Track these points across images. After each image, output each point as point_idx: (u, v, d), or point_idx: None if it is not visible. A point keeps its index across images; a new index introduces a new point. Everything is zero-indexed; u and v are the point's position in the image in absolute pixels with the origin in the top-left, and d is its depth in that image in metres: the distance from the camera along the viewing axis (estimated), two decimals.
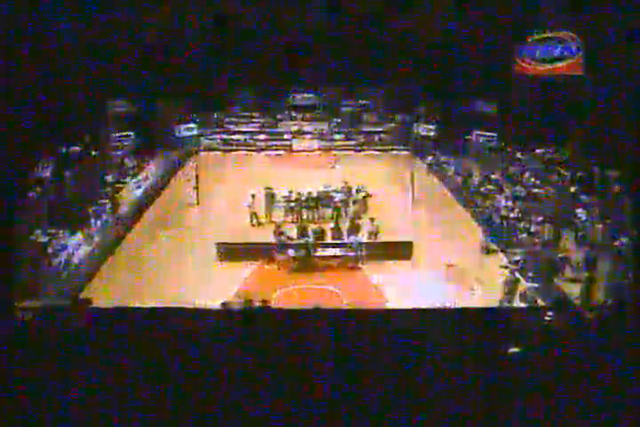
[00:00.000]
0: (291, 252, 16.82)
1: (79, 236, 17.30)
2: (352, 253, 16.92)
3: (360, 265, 16.85)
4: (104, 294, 14.88)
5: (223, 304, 10.16)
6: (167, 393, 4.18)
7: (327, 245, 17.41)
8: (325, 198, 20.59)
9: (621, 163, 19.19)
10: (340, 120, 32.50)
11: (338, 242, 17.63)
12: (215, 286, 15.41)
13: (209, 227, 19.83)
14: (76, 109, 26.56)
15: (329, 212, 20.49)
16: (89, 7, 23.83)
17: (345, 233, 18.09)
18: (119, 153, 26.43)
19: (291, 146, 31.23)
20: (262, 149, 31.22)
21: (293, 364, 4.43)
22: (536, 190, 20.40)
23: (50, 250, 15.86)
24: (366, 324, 5.06)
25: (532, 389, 4.22)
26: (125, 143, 27.56)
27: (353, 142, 31.63)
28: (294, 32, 29.47)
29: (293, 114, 32.70)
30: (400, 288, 15.28)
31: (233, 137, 31.64)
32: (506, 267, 15.46)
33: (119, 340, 4.76)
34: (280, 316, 5.71)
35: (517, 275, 14.86)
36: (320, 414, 4.03)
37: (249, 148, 31.35)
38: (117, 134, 27.49)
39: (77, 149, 24.65)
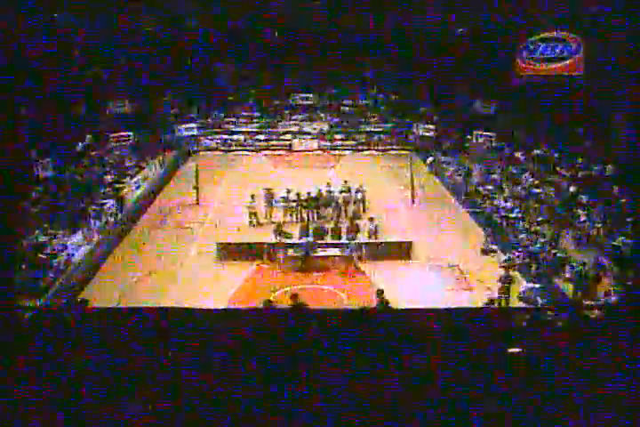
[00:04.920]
0: (291, 252, 16.82)
1: (79, 236, 17.30)
2: (344, 254, 16.82)
3: (356, 266, 16.69)
4: (104, 294, 14.89)
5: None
6: (167, 394, 4.18)
7: (327, 245, 17.38)
8: (325, 198, 20.58)
9: (621, 163, 19.22)
10: (340, 120, 32.51)
11: (337, 242, 17.62)
12: (215, 286, 15.42)
13: (209, 227, 19.85)
14: (76, 109, 26.60)
15: (329, 212, 20.49)
16: (89, 7, 23.85)
17: (345, 233, 18.07)
18: (119, 153, 26.43)
19: (291, 146, 31.23)
20: (262, 149, 31.23)
21: (293, 364, 4.43)
22: (536, 190, 20.39)
23: (50, 250, 15.86)
24: (366, 324, 5.06)
25: (532, 389, 4.21)
26: (125, 143, 27.56)
27: (353, 142, 31.64)
28: (295, 32, 29.51)
29: (293, 114, 32.73)
30: (400, 288, 15.27)
31: (233, 137, 31.64)
32: (505, 267, 15.48)
33: (119, 340, 4.76)
34: (280, 316, 5.70)
35: (511, 273, 14.85)
36: (320, 415, 4.03)
37: (249, 148, 31.36)
38: (117, 134, 27.51)
39: (78, 148, 24.71)
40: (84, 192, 20.28)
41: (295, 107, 32.89)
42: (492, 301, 13.48)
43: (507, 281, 14.29)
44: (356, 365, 4.38)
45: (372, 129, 32.00)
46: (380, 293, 12.10)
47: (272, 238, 17.71)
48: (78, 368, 4.39)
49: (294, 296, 11.21)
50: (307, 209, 20.31)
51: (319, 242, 17.29)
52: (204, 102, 32.51)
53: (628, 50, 18.50)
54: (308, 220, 19.90)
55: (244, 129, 31.96)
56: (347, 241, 17.42)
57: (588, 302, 13.57)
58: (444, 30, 27.79)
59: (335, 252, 17.04)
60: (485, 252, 17.54)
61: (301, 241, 17.20)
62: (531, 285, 14.60)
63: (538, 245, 16.37)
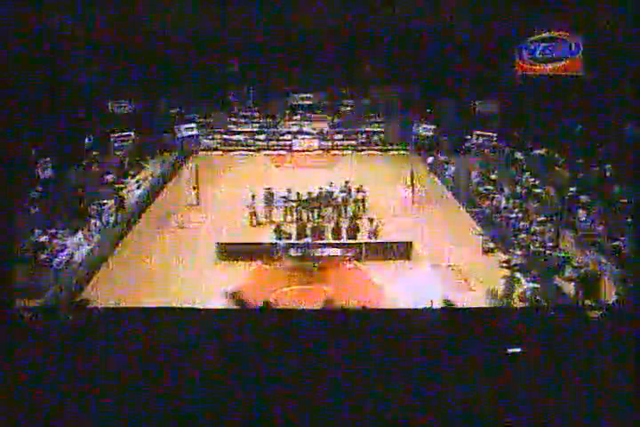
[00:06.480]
0: (291, 252, 16.82)
1: (79, 236, 17.31)
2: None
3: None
4: (104, 294, 14.89)
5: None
6: (166, 394, 4.18)
7: (327, 245, 17.38)
8: (325, 198, 20.57)
9: (621, 162, 19.22)
10: (340, 120, 32.48)
11: (337, 242, 17.62)
12: (215, 286, 15.41)
13: (209, 227, 19.85)
14: (76, 109, 26.59)
15: (329, 212, 20.48)
16: (90, 7, 23.87)
17: (344, 233, 18.08)
18: (119, 153, 26.43)
19: (291, 146, 31.23)
20: (262, 149, 31.21)
21: (293, 364, 4.43)
22: (536, 190, 20.39)
23: (50, 250, 15.86)
24: (366, 324, 5.06)
25: (532, 389, 4.21)
26: (125, 143, 27.55)
27: (353, 142, 31.61)
28: (295, 31, 29.51)
29: (293, 114, 32.70)
30: (400, 288, 15.28)
31: (233, 137, 31.62)
32: (506, 266, 15.48)
33: (118, 340, 4.76)
34: (280, 316, 5.70)
35: (517, 274, 14.87)
36: (319, 415, 4.03)
37: (249, 148, 31.33)
38: (117, 134, 27.50)
39: (78, 148, 24.71)
40: (84, 192, 20.28)
41: (295, 107, 32.86)
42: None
43: (509, 281, 14.30)
44: (356, 364, 4.38)
45: (372, 129, 31.98)
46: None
47: (272, 238, 17.72)
48: (78, 369, 4.39)
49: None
50: (307, 209, 20.30)
51: (319, 242, 17.29)
52: (204, 102, 32.47)
53: (629, 48, 18.50)
54: (308, 220, 19.90)
55: (243, 129, 31.93)
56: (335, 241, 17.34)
57: (588, 303, 13.58)
58: (445, 29, 27.77)
59: (335, 252, 17.05)
60: (485, 252, 17.54)
61: (301, 241, 17.21)
62: (531, 285, 14.60)
63: (538, 245, 16.37)
